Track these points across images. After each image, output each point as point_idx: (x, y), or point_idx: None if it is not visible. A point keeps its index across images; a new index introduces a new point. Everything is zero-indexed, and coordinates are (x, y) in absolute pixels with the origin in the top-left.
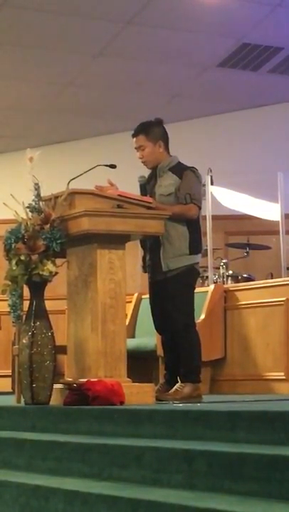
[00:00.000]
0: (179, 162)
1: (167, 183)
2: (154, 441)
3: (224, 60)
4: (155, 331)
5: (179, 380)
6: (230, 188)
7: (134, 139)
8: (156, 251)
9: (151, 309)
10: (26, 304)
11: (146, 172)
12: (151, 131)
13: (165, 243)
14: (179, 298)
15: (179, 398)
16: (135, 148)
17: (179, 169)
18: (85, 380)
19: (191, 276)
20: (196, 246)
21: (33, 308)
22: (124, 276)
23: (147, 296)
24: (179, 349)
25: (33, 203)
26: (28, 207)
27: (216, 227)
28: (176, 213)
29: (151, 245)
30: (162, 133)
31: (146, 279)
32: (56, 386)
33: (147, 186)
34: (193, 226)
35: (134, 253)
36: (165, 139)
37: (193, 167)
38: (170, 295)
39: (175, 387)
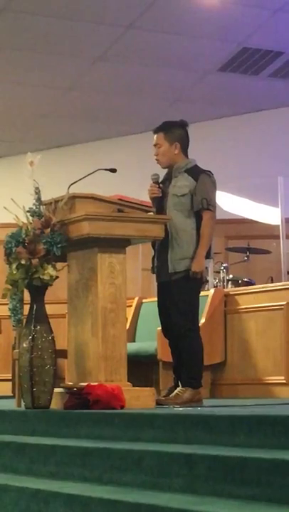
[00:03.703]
0: (196, 165)
1: (182, 184)
2: (155, 445)
3: (225, 65)
4: (156, 335)
5: (179, 384)
6: (231, 192)
7: (155, 135)
8: (164, 252)
9: (159, 310)
10: (27, 308)
11: (147, 175)
12: (171, 131)
13: (174, 245)
14: (182, 302)
15: (179, 402)
16: (154, 145)
17: (195, 172)
18: (86, 384)
19: (198, 280)
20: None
21: (34, 312)
22: (124, 281)
23: (148, 300)
24: (180, 353)
25: (34, 207)
26: (28, 211)
27: (217, 231)
28: (209, 235)
29: (160, 247)
30: (182, 135)
31: (147, 284)
32: (57, 390)
33: (162, 186)
34: None
35: (134, 257)
36: (184, 141)
37: (209, 171)
38: (174, 298)
39: (176, 391)
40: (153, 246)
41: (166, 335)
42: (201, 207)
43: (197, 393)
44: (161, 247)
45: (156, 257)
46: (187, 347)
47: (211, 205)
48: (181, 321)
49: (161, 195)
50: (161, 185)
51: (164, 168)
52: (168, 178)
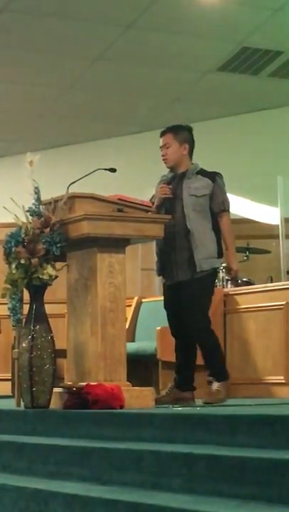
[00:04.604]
0: (202, 168)
1: (199, 185)
2: (154, 445)
3: (224, 64)
4: (155, 334)
5: (211, 380)
6: (230, 192)
7: (162, 137)
8: (183, 252)
9: (169, 312)
10: (26, 308)
11: (146, 175)
12: (181, 132)
13: (198, 245)
14: (204, 299)
15: (221, 399)
16: (160, 146)
17: (208, 173)
18: (85, 383)
19: (215, 278)
20: (220, 250)
21: (33, 312)
22: (124, 280)
23: (147, 299)
24: (191, 351)
25: (33, 207)
26: (28, 211)
27: None
28: (232, 236)
29: (169, 247)
30: (190, 138)
31: (147, 283)
32: (56, 390)
33: (172, 187)
34: (218, 231)
35: (133, 257)
36: (191, 145)
37: (219, 173)
38: (194, 294)
39: (214, 388)
40: (158, 251)
41: (176, 335)
42: (223, 208)
43: (228, 385)
44: (174, 248)
45: (165, 259)
46: (208, 341)
47: (228, 206)
48: (200, 317)
49: (172, 196)
50: (170, 186)
51: (169, 167)
52: (174, 180)
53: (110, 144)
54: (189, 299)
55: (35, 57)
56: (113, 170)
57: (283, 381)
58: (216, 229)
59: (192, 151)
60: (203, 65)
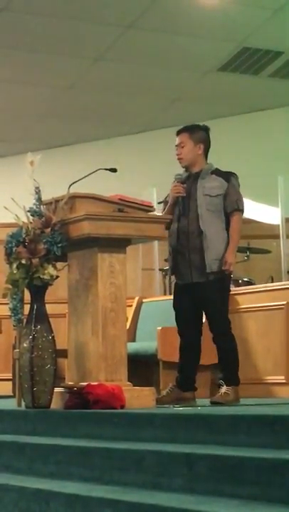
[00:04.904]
0: (217, 167)
1: (214, 185)
2: (155, 445)
3: (225, 64)
4: (156, 334)
5: (222, 382)
6: None
7: (177, 136)
8: (196, 253)
9: (178, 311)
10: (27, 308)
11: (147, 175)
12: (196, 132)
13: (209, 245)
14: (221, 301)
15: (230, 400)
16: (176, 145)
17: (224, 173)
18: (86, 383)
19: (229, 280)
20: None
21: (34, 312)
22: (124, 280)
23: (148, 300)
24: (195, 351)
25: (34, 207)
26: (29, 211)
27: None
28: (239, 233)
29: (181, 248)
30: (206, 139)
31: (147, 283)
32: (57, 390)
33: (185, 186)
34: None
35: (134, 257)
36: (206, 145)
37: (234, 173)
38: (211, 298)
39: (223, 390)
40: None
41: (182, 334)
42: (236, 207)
43: (238, 390)
44: (188, 248)
45: (178, 259)
46: (227, 346)
47: (241, 205)
48: (221, 320)
49: (185, 194)
50: (184, 185)
51: (184, 167)
52: (189, 179)
53: (111, 143)
54: (205, 301)
55: (36, 57)
56: (114, 170)
57: (284, 381)
58: (229, 229)
59: (208, 151)
60: (204, 65)
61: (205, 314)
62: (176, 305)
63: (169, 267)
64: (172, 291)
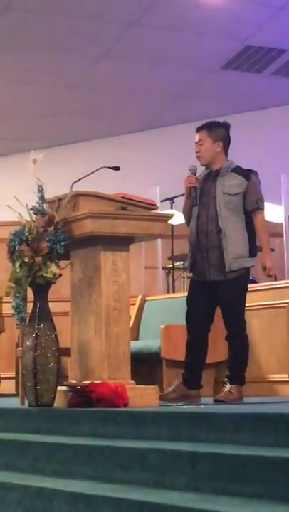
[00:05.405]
0: (238, 165)
1: (233, 183)
2: (158, 443)
3: (228, 62)
4: (159, 332)
5: (226, 380)
6: None
7: (197, 134)
8: (214, 251)
9: (192, 308)
10: (30, 306)
11: (150, 173)
12: (215, 129)
13: (229, 244)
14: (239, 301)
15: (232, 399)
16: (195, 142)
17: (243, 171)
18: (89, 382)
19: (248, 279)
20: (253, 249)
21: (37, 311)
22: (128, 279)
23: (151, 298)
24: (202, 349)
25: (37, 205)
26: (31, 209)
27: None
28: (267, 234)
29: (208, 245)
30: (225, 136)
31: (151, 281)
32: (60, 388)
33: (203, 185)
34: (252, 230)
35: (137, 255)
36: (226, 142)
37: (255, 171)
38: (229, 297)
39: (227, 389)
40: (191, 246)
41: (192, 331)
42: (257, 206)
43: (242, 390)
44: (206, 246)
45: (197, 256)
46: (240, 345)
47: (262, 204)
48: (237, 320)
49: (198, 185)
50: (199, 176)
51: (204, 165)
52: (209, 177)
53: (114, 142)
54: (225, 304)
55: (39, 56)
56: (117, 168)
57: (287, 379)
58: (249, 228)
59: (228, 148)
60: (207, 64)
61: (221, 312)
62: (191, 301)
63: (188, 264)
64: (175, 289)
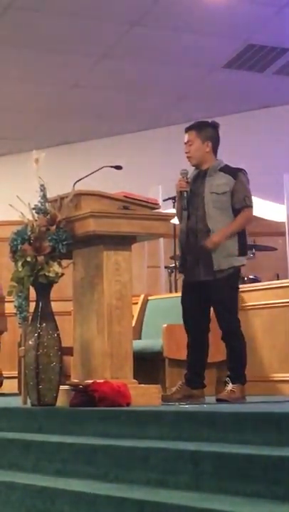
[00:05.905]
0: (226, 164)
1: (221, 182)
2: (160, 442)
3: (230, 61)
4: (161, 332)
5: (228, 379)
6: None
7: (186, 134)
8: (204, 251)
9: (185, 308)
10: (32, 306)
11: (152, 172)
12: (204, 129)
13: None
14: (229, 300)
15: (234, 398)
16: (184, 143)
17: (231, 170)
18: (91, 381)
19: (238, 278)
20: (244, 248)
21: (39, 310)
22: (130, 278)
23: (154, 297)
24: (203, 348)
25: (39, 205)
26: (34, 208)
27: None
28: (240, 226)
29: (198, 244)
30: (214, 135)
31: (153, 281)
32: (62, 387)
33: (193, 186)
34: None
35: (140, 254)
36: (215, 141)
37: (243, 169)
38: (220, 297)
39: (229, 388)
40: (180, 246)
41: (189, 331)
42: (245, 204)
43: (244, 389)
44: (196, 246)
45: (187, 256)
46: (236, 344)
47: (250, 202)
48: (230, 318)
49: (189, 189)
50: (189, 180)
51: (194, 165)
52: (198, 177)
53: (116, 141)
54: (218, 303)
55: (41, 55)
56: (119, 167)
57: None
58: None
59: (217, 148)
60: (209, 63)
61: (214, 312)
62: (184, 303)
63: (179, 265)
64: (178, 288)
